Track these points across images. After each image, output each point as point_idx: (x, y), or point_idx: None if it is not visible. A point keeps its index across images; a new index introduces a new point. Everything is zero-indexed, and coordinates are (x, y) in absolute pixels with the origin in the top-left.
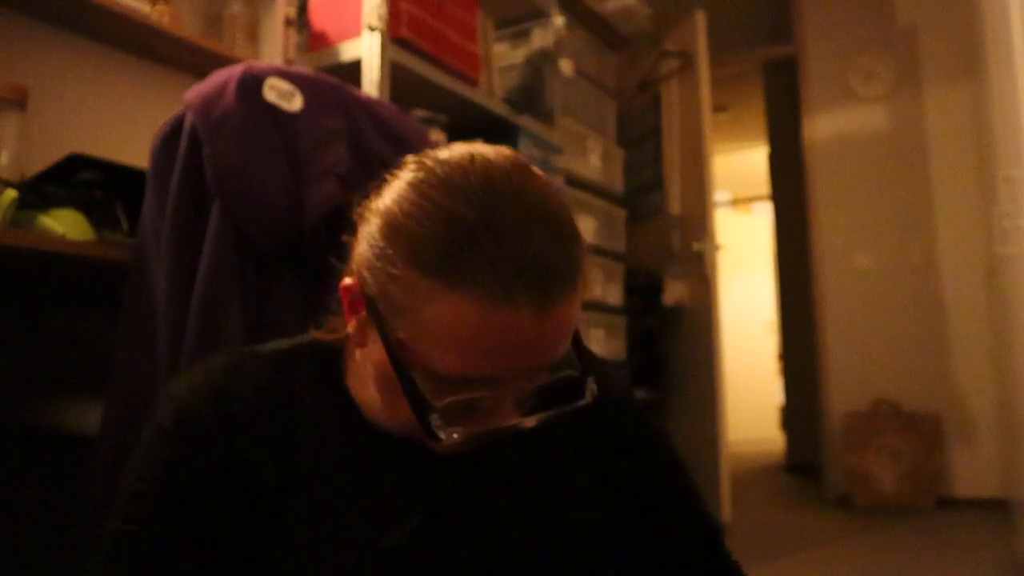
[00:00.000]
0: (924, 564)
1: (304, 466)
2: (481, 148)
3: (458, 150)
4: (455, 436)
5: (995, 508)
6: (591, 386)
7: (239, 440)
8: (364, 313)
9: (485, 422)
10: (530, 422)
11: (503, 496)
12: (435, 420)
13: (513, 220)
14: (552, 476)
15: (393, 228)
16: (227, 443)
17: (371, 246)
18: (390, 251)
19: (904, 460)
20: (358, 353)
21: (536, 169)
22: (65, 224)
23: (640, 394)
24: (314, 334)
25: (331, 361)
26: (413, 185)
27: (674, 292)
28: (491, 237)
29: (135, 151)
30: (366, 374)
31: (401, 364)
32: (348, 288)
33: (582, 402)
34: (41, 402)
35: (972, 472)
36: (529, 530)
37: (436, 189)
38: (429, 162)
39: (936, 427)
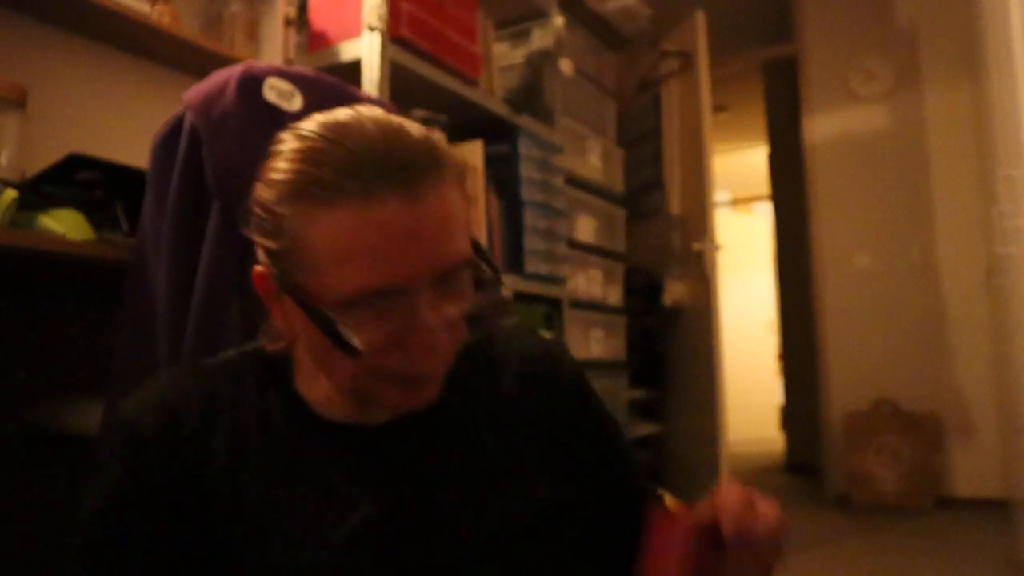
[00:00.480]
0: (924, 564)
1: (255, 469)
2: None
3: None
4: (368, 340)
5: (995, 508)
6: (504, 284)
7: (187, 453)
8: (275, 287)
9: (400, 329)
10: (448, 312)
11: (458, 483)
12: (344, 329)
13: (362, 131)
14: (508, 459)
15: (262, 188)
16: (175, 458)
17: (255, 220)
18: (265, 209)
19: (904, 460)
20: (298, 348)
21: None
22: (65, 224)
23: (640, 394)
24: (261, 340)
25: (279, 365)
26: (271, 155)
27: (674, 292)
28: (344, 149)
29: (135, 151)
30: (308, 367)
31: (308, 300)
32: (258, 276)
33: (498, 297)
34: (41, 402)
35: (972, 472)
36: (486, 514)
37: (288, 144)
38: (286, 133)
39: (936, 427)
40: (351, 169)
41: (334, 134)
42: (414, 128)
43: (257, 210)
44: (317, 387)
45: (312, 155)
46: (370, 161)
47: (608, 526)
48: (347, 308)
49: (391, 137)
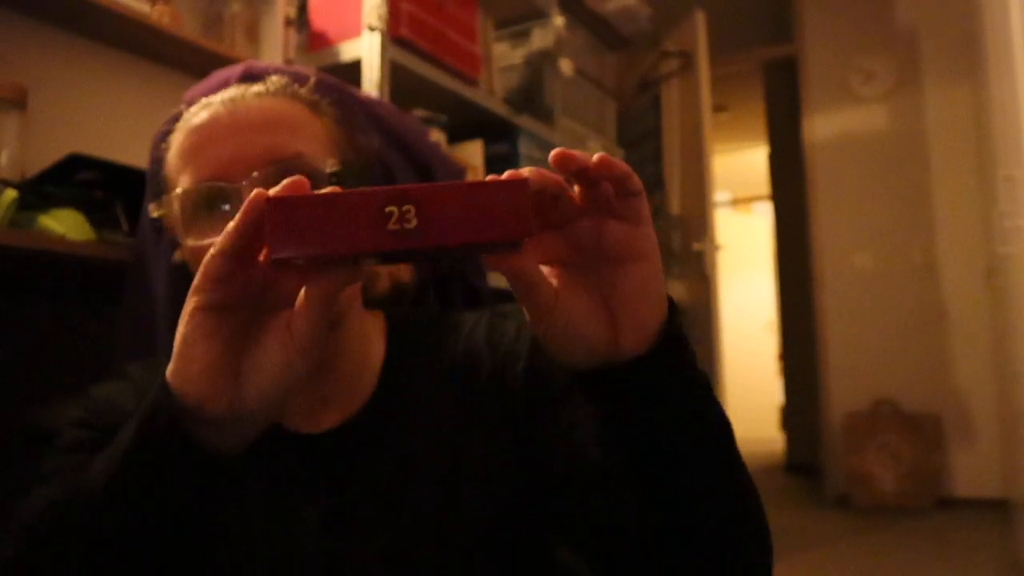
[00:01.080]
0: (924, 564)
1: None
2: None
3: None
4: (203, 231)
5: (995, 508)
6: (330, 166)
7: None
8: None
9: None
10: (255, 184)
11: (404, 485)
12: (154, 214)
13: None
14: (457, 458)
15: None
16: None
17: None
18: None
19: (904, 460)
20: None
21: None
22: (65, 224)
23: None
24: None
25: None
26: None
27: (674, 292)
28: (200, 89)
29: (135, 151)
30: None
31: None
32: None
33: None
34: (41, 402)
35: (972, 472)
36: (433, 515)
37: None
38: None
39: (936, 427)
40: (195, 106)
41: (200, 85)
42: (273, 76)
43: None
44: None
45: (173, 127)
46: (210, 95)
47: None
48: (188, 205)
49: (231, 81)
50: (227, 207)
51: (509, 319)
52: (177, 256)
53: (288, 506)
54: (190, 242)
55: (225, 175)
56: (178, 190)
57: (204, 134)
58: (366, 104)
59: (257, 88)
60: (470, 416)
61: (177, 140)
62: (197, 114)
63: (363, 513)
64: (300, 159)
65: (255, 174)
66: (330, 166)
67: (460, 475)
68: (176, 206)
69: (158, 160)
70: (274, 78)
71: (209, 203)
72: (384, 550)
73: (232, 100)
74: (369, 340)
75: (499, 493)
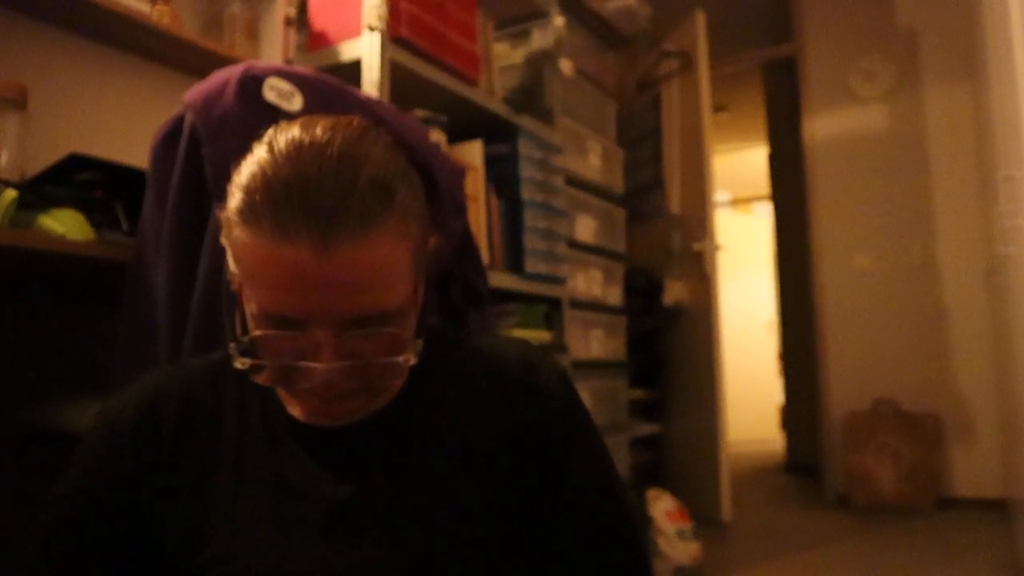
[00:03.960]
0: (924, 564)
1: (225, 466)
2: (326, 116)
3: (302, 119)
4: (266, 356)
5: (995, 508)
6: (414, 346)
7: (161, 450)
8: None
9: (297, 357)
10: (327, 358)
11: (404, 483)
12: (235, 348)
13: (305, 167)
14: (470, 465)
15: (231, 190)
16: (148, 454)
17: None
18: (224, 211)
19: (904, 460)
20: None
21: (381, 133)
22: (65, 224)
23: (640, 394)
24: None
25: None
26: (253, 153)
27: (674, 292)
28: (281, 182)
29: (135, 151)
30: None
31: (233, 301)
32: (232, 273)
33: (392, 359)
34: (41, 402)
35: (972, 472)
36: (427, 516)
37: (264, 150)
38: (271, 132)
39: (936, 427)
40: (274, 202)
41: (281, 159)
42: (369, 170)
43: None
44: None
45: (256, 173)
46: (297, 204)
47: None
48: (258, 320)
49: (330, 180)
50: (296, 339)
51: (546, 360)
52: (235, 287)
53: (299, 490)
54: (255, 330)
55: (305, 321)
56: (257, 307)
57: (286, 273)
58: (367, 105)
59: (350, 223)
60: (488, 430)
61: (256, 245)
62: (280, 225)
63: (364, 502)
64: (384, 317)
65: (336, 334)
66: (411, 353)
67: (466, 487)
68: (248, 310)
69: (158, 158)
70: (368, 187)
71: (282, 329)
72: (374, 541)
73: (323, 248)
74: None
75: (501, 503)
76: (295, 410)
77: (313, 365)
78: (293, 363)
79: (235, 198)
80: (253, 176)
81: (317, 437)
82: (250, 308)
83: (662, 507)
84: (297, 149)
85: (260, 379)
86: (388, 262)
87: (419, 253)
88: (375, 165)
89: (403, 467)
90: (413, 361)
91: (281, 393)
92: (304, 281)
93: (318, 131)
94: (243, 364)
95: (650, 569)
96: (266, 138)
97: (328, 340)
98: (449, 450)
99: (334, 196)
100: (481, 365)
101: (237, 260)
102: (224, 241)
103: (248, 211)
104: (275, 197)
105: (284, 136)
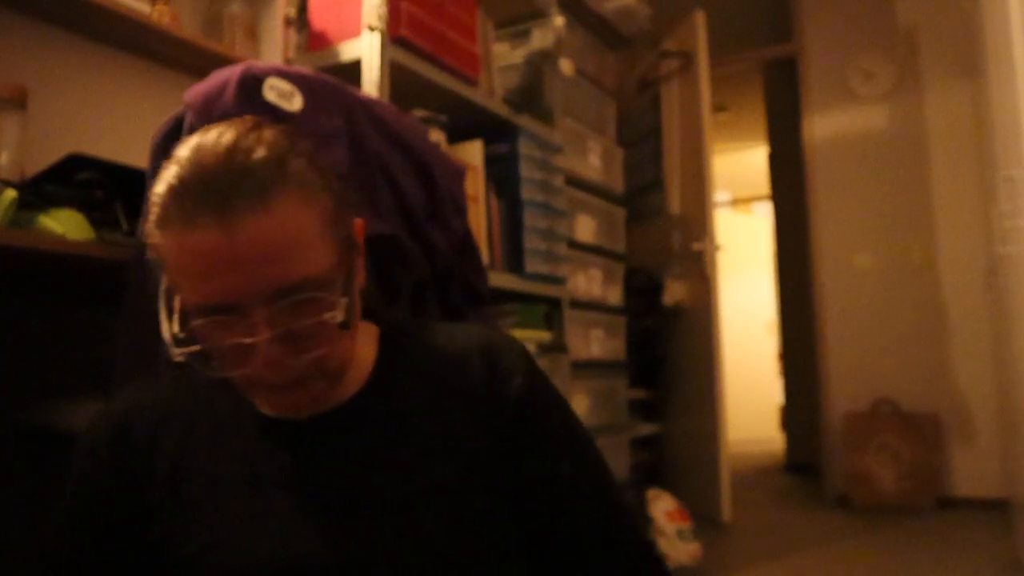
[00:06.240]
0: (924, 564)
1: (199, 467)
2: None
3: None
4: (209, 351)
5: (995, 508)
6: (341, 304)
7: (135, 461)
8: None
9: (236, 344)
10: (263, 333)
11: (386, 472)
12: (172, 340)
13: (202, 162)
14: (439, 450)
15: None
16: (124, 466)
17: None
18: (147, 228)
19: (904, 460)
20: None
21: (274, 125)
22: (65, 224)
23: (640, 394)
24: None
25: None
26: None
27: (674, 292)
28: (183, 182)
29: (135, 151)
30: None
31: (167, 303)
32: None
33: (323, 317)
34: (41, 402)
35: (972, 472)
36: (410, 504)
37: (169, 165)
38: (176, 148)
39: (936, 427)
40: (178, 198)
41: (181, 161)
42: (259, 152)
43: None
44: None
45: (162, 185)
46: (195, 190)
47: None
48: (191, 315)
49: (223, 165)
50: (231, 325)
51: (505, 340)
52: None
53: (268, 482)
54: (193, 321)
55: (232, 303)
56: (187, 305)
57: (200, 259)
58: (367, 105)
59: (247, 195)
60: (454, 414)
61: (170, 242)
62: (186, 215)
63: (337, 499)
64: (305, 285)
65: (264, 309)
66: (339, 310)
67: (437, 469)
68: (184, 307)
69: (158, 158)
70: (260, 163)
71: (215, 320)
72: (337, 527)
73: (227, 225)
74: (361, 345)
75: (473, 489)
76: (264, 407)
77: (246, 341)
78: (228, 343)
79: (150, 214)
80: (160, 189)
81: (287, 431)
82: (184, 307)
83: (662, 507)
84: (194, 151)
85: (211, 372)
86: (294, 229)
87: (334, 223)
88: (265, 145)
89: (372, 455)
90: (341, 318)
91: (250, 391)
92: (217, 262)
93: (212, 133)
94: (179, 355)
95: (630, 516)
96: (172, 155)
97: (260, 317)
98: (416, 436)
99: (229, 177)
100: (443, 351)
101: (164, 269)
102: (150, 258)
103: (161, 218)
104: (179, 195)
105: (183, 146)
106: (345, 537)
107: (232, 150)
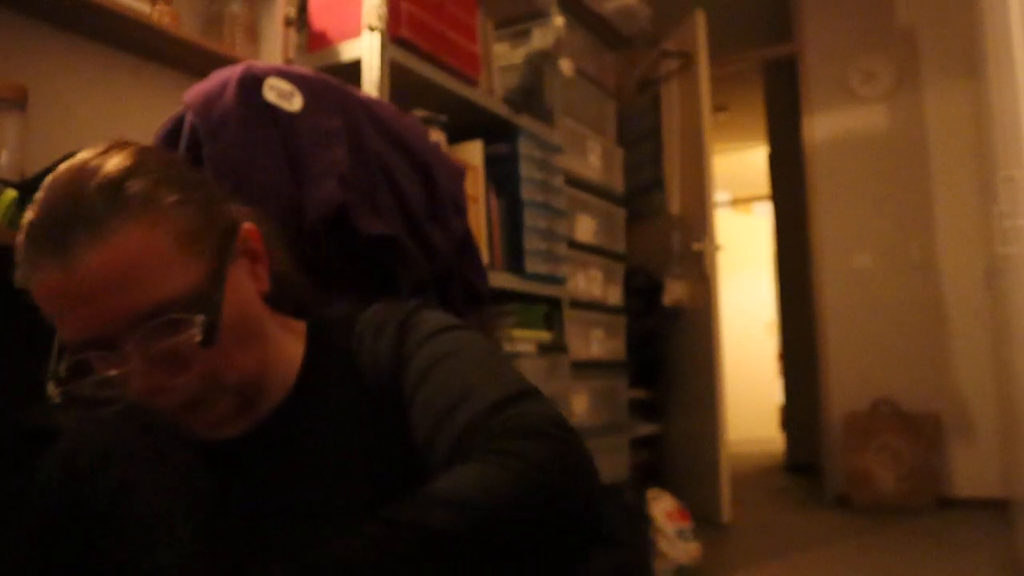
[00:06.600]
0: (924, 564)
1: (139, 496)
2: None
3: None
4: (60, 391)
5: (995, 508)
6: (198, 322)
7: (80, 497)
8: None
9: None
10: (132, 361)
11: (290, 487)
12: (51, 383)
13: (48, 199)
14: (357, 458)
15: None
16: (71, 502)
17: None
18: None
19: (904, 460)
20: None
21: (131, 144)
22: None
23: (640, 394)
24: None
25: None
26: None
27: (674, 292)
28: (31, 223)
29: None
30: None
31: (55, 346)
32: None
33: (182, 337)
34: (41, 402)
35: (972, 472)
36: (313, 518)
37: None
38: None
39: (936, 427)
40: (27, 241)
41: (36, 200)
42: (97, 178)
43: None
44: None
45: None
46: (38, 232)
47: None
48: (70, 353)
49: (62, 200)
50: (106, 358)
51: (414, 329)
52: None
53: (199, 504)
54: (73, 357)
55: (97, 337)
56: (67, 345)
57: (50, 300)
58: (367, 105)
59: (82, 229)
60: (372, 416)
61: (26, 285)
62: (29, 260)
63: (266, 517)
64: (162, 307)
65: (131, 338)
66: (196, 329)
67: (356, 481)
68: (64, 350)
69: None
70: (94, 193)
71: (91, 355)
72: (263, 543)
73: (64, 264)
74: (286, 347)
75: (390, 490)
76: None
77: (113, 372)
78: (101, 376)
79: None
80: (19, 236)
81: (223, 451)
82: (62, 345)
83: (662, 507)
84: (46, 189)
85: (102, 405)
86: (140, 256)
87: (197, 238)
88: (105, 171)
89: (296, 470)
90: (199, 338)
91: (168, 418)
92: (65, 301)
93: (68, 163)
94: (55, 393)
95: (522, 416)
96: None
97: (130, 346)
98: (338, 446)
99: (66, 212)
100: (366, 342)
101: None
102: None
103: (18, 264)
104: (28, 239)
105: (47, 179)
106: (268, 554)
107: (71, 181)
